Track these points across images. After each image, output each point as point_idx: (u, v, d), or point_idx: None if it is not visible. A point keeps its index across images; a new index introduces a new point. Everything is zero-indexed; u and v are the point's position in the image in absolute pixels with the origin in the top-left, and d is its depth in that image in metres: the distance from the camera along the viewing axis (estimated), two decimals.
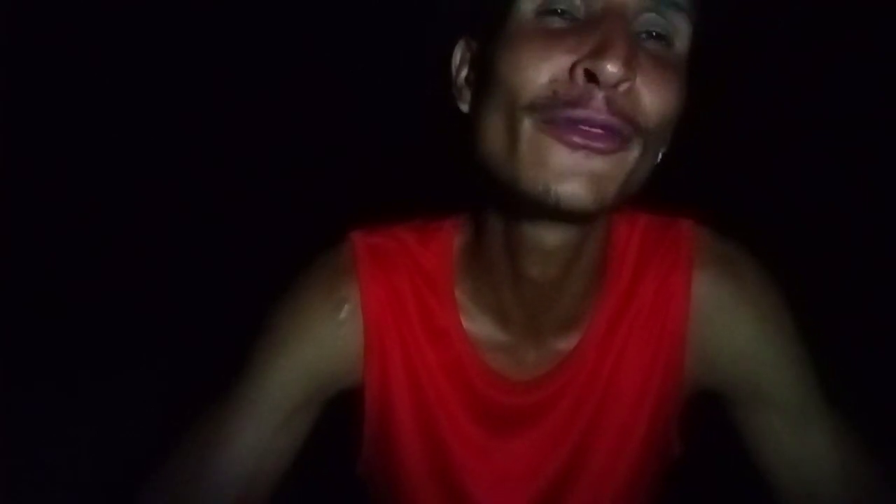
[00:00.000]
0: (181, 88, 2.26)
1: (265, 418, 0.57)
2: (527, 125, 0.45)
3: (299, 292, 0.59)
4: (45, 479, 1.45)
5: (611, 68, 0.42)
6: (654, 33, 0.46)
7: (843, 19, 1.77)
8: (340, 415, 0.62)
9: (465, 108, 0.55)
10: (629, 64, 0.43)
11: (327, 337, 0.58)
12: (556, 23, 0.46)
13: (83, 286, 2.05)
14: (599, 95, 0.44)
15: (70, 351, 1.86)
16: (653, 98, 0.45)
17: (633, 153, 0.46)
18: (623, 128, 0.44)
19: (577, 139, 0.44)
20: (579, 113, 0.44)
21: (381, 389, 0.59)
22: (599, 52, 0.43)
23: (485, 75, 0.49)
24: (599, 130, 0.44)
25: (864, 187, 1.93)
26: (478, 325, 0.59)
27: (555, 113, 0.44)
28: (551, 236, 0.52)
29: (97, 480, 1.42)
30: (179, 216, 2.22)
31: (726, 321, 0.58)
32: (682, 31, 0.47)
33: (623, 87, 0.43)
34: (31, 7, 1.99)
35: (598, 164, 0.45)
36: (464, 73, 0.56)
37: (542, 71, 0.45)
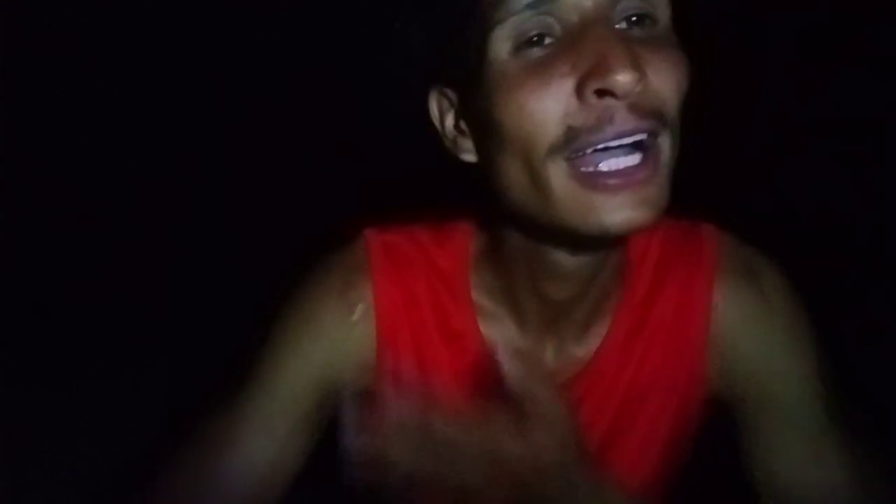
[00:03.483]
0: (181, 87, 2.25)
1: (277, 420, 0.56)
2: (555, 174, 0.44)
3: (312, 292, 0.59)
4: (45, 478, 1.44)
5: (623, 79, 0.41)
6: (634, 17, 0.45)
7: (851, 21, 1.76)
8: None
9: (469, 157, 0.52)
10: (637, 66, 0.41)
11: (340, 338, 0.57)
12: (537, 53, 0.44)
13: (84, 286, 2.04)
14: (620, 107, 0.42)
15: (71, 351, 1.85)
16: (668, 83, 0.44)
17: (666, 150, 0.45)
18: (652, 125, 0.43)
19: (612, 182, 0.43)
20: (607, 134, 0.43)
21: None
22: (603, 67, 0.41)
23: (484, 126, 0.47)
24: (630, 156, 0.43)
25: (871, 189, 1.93)
26: (495, 329, 0.59)
27: (579, 144, 0.43)
28: (576, 260, 0.52)
29: (98, 481, 1.41)
30: (182, 216, 2.22)
31: (748, 330, 0.58)
32: (659, 2, 0.46)
33: (639, 88, 0.42)
34: (31, 7, 1.98)
35: (646, 192, 0.44)
36: (450, 122, 0.53)
37: (549, 110, 0.43)
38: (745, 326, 0.58)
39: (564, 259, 0.51)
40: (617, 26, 0.43)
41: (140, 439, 1.55)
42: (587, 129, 0.42)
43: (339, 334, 0.57)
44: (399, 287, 0.58)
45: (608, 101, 0.42)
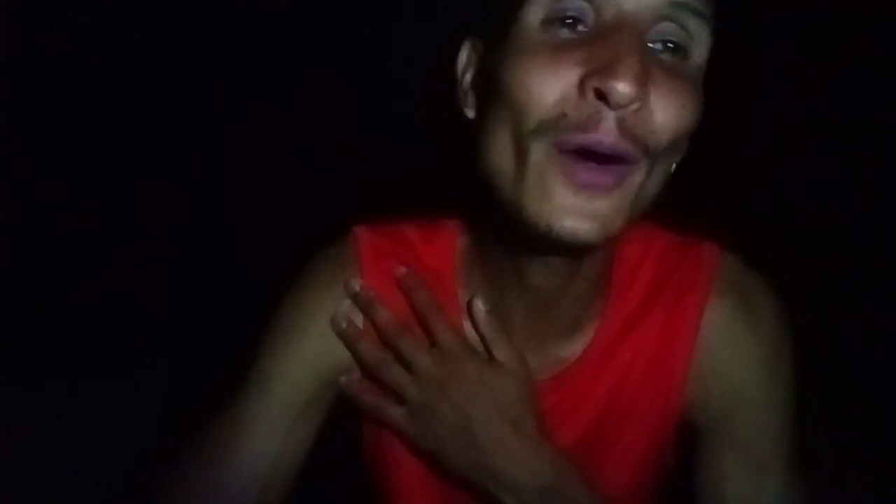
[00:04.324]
0: (181, 88, 2.26)
1: (277, 417, 0.57)
2: (536, 150, 0.44)
3: (303, 288, 0.59)
4: (45, 479, 1.45)
5: (622, 88, 0.40)
6: (669, 44, 0.44)
7: (851, 21, 1.77)
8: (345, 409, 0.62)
9: (470, 114, 0.53)
10: (641, 82, 0.41)
11: (330, 332, 0.58)
12: (564, 34, 0.43)
13: (84, 287, 2.04)
14: (610, 116, 0.42)
15: (71, 352, 1.85)
16: (666, 116, 0.43)
17: (637, 178, 0.44)
18: (631, 151, 0.43)
19: (582, 176, 0.43)
20: (589, 138, 0.42)
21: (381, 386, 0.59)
22: (610, 70, 0.40)
23: (491, 85, 0.47)
24: (605, 158, 0.43)
25: (871, 189, 1.93)
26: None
27: (565, 137, 0.43)
28: (556, 254, 0.51)
29: (98, 481, 1.42)
30: (182, 216, 2.22)
31: (730, 356, 0.57)
32: (700, 40, 0.44)
33: (634, 106, 0.41)
34: (30, 7, 1.98)
35: (601, 204, 0.43)
36: (469, 76, 0.54)
37: (549, 88, 0.42)
38: (729, 351, 0.57)
39: (544, 252, 0.51)
40: (650, 45, 0.43)
41: (140, 439, 1.56)
42: (576, 124, 0.42)
43: (329, 328, 0.57)
44: (387, 283, 0.58)
45: (601, 104, 0.41)
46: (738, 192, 1.69)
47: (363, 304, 0.57)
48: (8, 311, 1.71)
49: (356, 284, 0.57)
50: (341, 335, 0.57)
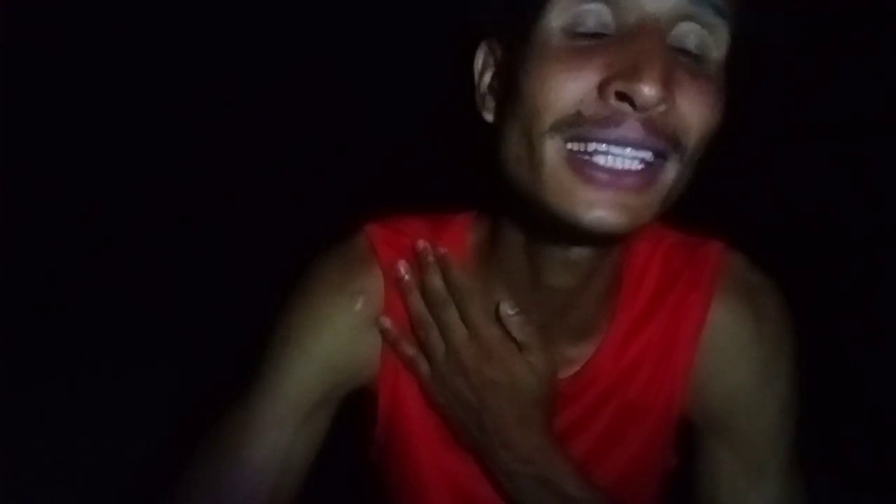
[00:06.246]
0: (181, 87, 2.26)
1: (286, 417, 0.56)
2: (548, 150, 0.43)
3: (314, 285, 0.58)
4: (45, 479, 1.45)
5: (647, 91, 0.40)
6: (690, 46, 0.43)
7: (851, 21, 1.77)
8: (354, 405, 0.62)
9: (489, 117, 0.53)
10: (666, 84, 0.40)
11: (344, 329, 0.57)
12: (584, 40, 0.43)
13: (84, 286, 2.04)
14: (634, 116, 0.41)
15: (71, 351, 1.86)
16: (693, 114, 0.43)
17: (670, 175, 0.44)
18: (660, 145, 0.42)
19: (600, 176, 0.43)
20: (610, 133, 0.42)
21: (395, 386, 0.59)
22: (634, 73, 0.40)
23: (509, 89, 0.47)
24: (630, 161, 0.42)
25: (867, 191, 1.93)
26: None
27: (580, 132, 0.42)
28: (574, 250, 0.51)
29: (98, 480, 1.42)
30: (182, 215, 2.22)
31: (732, 355, 0.57)
32: (720, 39, 0.44)
33: (661, 108, 0.41)
34: (30, 7, 1.99)
35: (630, 198, 0.43)
36: (487, 79, 0.53)
37: (567, 91, 0.42)
38: (732, 350, 0.57)
39: (562, 248, 0.51)
40: (671, 46, 0.42)
41: (140, 439, 1.56)
42: (594, 121, 0.42)
43: (343, 325, 0.57)
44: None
45: (625, 106, 0.41)
46: (738, 192, 1.69)
47: (426, 263, 0.57)
48: (8, 310, 1.71)
49: (423, 244, 0.56)
50: (399, 282, 0.57)
